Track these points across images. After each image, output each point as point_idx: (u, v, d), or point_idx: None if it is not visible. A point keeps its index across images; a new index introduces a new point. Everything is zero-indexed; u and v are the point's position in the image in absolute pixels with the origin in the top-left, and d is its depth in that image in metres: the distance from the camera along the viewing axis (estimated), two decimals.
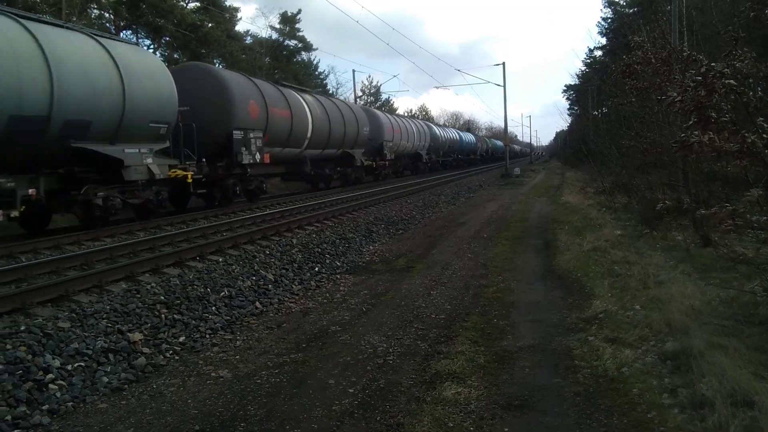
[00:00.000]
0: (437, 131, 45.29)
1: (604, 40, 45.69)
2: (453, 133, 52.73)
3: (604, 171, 19.04)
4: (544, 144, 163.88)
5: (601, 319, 5.96)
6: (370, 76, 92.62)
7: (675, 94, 5.01)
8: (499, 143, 73.29)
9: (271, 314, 7.06)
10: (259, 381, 4.88)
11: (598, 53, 47.95)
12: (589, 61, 51.44)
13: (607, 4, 44.15)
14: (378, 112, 33.07)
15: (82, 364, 5.02)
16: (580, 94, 51.36)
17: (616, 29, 38.99)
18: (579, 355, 5.07)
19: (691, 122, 4.96)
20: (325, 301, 7.60)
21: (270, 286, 8.08)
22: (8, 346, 4.99)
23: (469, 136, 57.85)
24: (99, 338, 5.50)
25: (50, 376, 4.70)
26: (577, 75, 56.50)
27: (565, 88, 63.12)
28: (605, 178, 18.84)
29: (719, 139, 4.68)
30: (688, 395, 3.97)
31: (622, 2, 42.33)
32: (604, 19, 45.10)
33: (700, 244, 9.04)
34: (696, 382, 4.08)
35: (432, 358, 5.21)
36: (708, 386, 3.93)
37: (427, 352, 5.39)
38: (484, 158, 66.72)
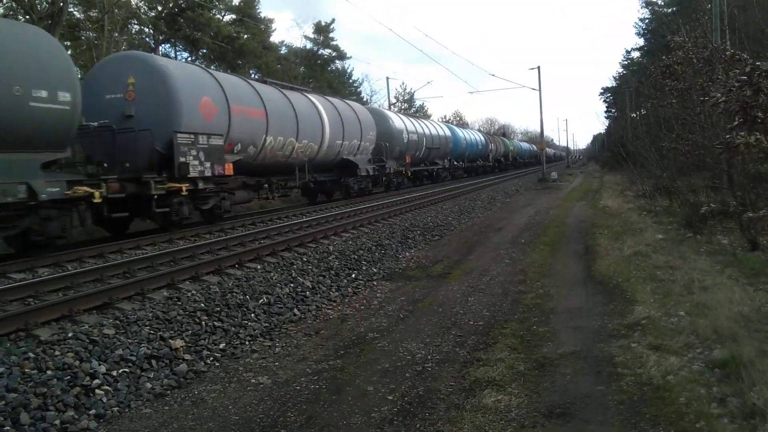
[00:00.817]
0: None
1: (641, 41, 44.98)
2: (475, 136, 51.41)
3: (644, 174, 18.67)
4: (581, 147, 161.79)
5: (643, 325, 5.82)
6: (403, 83, 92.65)
7: (719, 95, 4.88)
8: (525, 145, 72.22)
9: (309, 321, 7.10)
10: (298, 387, 4.91)
11: (636, 54, 47.21)
12: (626, 62, 50.66)
13: (644, 4, 43.45)
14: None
15: (127, 369, 5.13)
16: (618, 96, 50.56)
17: (653, 29, 38.33)
18: (622, 363, 4.96)
19: (736, 123, 4.83)
20: (362, 307, 7.62)
21: (308, 292, 8.14)
22: (57, 352, 5.14)
23: (491, 140, 52.59)
24: (142, 345, 5.62)
25: (97, 381, 4.81)
26: (614, 77, 55.72)
27: (602, 91, 62.32)
28: (645, 181, 18.47)
29: (767, 139, 4.54)
30: (739, 405, 3.84)
31: (660, 2, 41.56)
32: (641, 19, 44.43)
33: (748, 248, 8.77)
34: (746, 391, 3.95)
35: (471, 365, 5.16)
36: (759, 395, 3.80)
37: (466, 359, 5.35)
38: (506, 164, 59.35)
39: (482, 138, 48.74)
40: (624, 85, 44.52)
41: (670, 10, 36.77)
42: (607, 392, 4.41)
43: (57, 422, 4.23)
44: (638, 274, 8.03)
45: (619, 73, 53.62)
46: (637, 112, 33.73)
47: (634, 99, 35.34)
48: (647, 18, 43.20)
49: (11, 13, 24.02)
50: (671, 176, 14.16)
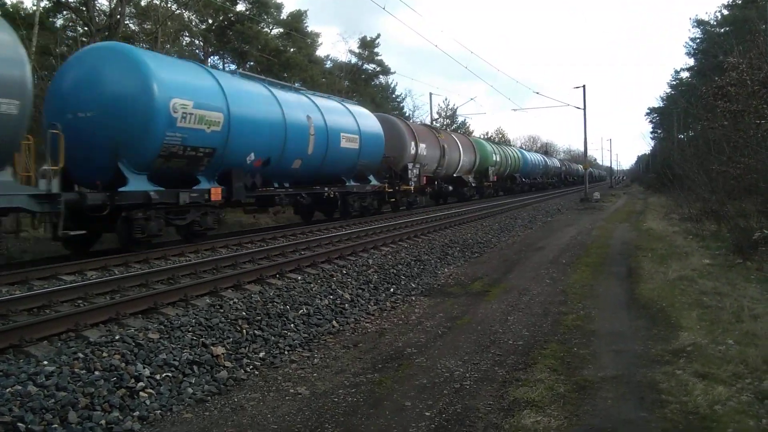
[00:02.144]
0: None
1: (691, 61, 44.08)
2: (536, 158, 51.57)
3: (691, 197, 18.22)
4: (624, 168, 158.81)
5: (689, 352, 5.67)
6: (446, 99, 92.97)
7: None
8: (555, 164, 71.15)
9: (348, 333, 7.14)
10: (336, 399, 4.94)
11: (685, 74, 46.28)
12: (674, 82, 49.71)
13: (695, 24, 42.64)
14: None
15: (170, 374, 5.25)
16: (665, 116, 49.59)
17: (704, 50, 37.53)
18: (666, 389, 4.83)
19: None
20: (400, 322, 7.62)
21: (346, 305, 8.19)
22: (104, 354, 5.29)
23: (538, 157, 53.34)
24: (185, 350, 5.74)
25: (141, 384, 4.93)
26: (662, 98, 54.70)
27: (649, 111, 61.23)
28: (692, 204, 18.01)
29: None
30: None
31: (712, 22, 40.71)
32: (692, 39, 43.57)
33: None
34: None
35: (510, 384, 5.11)
36: None
37: (505, 378, 5.29)
38: (550, 183, 59.08)
39: (542, 159, 50.88)
40: (672, 106, 43.64)
41: (722, 30, 36.04)
42: (650, 419, 4.30)
43: (103, 422, 4.34)
44: (683, 300, 7.82)
45: (667, 93, 52.65)
46: (685, 134, 33.02)
47: (682, 120, 34.60)
48: (698, 38, 42.37)
49: (71, 24, 25.04)
50: (721, 200, 13.78)
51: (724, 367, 5.09)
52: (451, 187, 31.29)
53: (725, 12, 38.69)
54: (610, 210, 29.35)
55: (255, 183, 14.28)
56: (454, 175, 31.05)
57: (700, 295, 7.97)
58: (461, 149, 31.27)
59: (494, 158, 37.60)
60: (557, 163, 67.16)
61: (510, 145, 45.86)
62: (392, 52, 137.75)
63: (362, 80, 46.04)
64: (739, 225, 11.59)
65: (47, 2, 24.64)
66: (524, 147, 74.24)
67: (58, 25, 25.70)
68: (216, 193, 12.88)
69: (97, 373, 4.93)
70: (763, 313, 6.54)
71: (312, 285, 8.81)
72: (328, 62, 44.75)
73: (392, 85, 52.14)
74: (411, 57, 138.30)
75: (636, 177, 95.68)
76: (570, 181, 71.36)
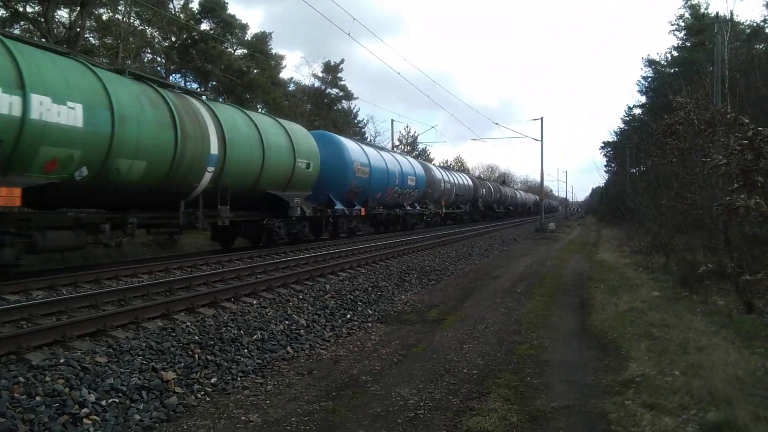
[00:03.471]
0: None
1: (643, 98, 45.76)
2: (492, 186, 52.31)
3: (642, 230, 18.77)
4: (579, 200, 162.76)
5: (638, 383, 5.79)
6: (408, 126, 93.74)
7: (720, 157, 4.98)
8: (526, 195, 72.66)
9: (302, 360, 7.05)
10: (288, 428, 4.85)
11: (637, 111, 47.97)
12: (627, 118, 51.43)
13: (647, 63, 44.37)
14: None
15: (117, 400, 5.07)
16: (618, 151, 51.16)
17: (655, 88, 39.07)
18: (615, 420, 4.92)
19: (736, 186, 4.92)
20: (356, 349, 7.57)
21: (302, 331, 8.09)
22: (47, 378, 5.09)
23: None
24: (134, 375, 5.57)
25: (85, 410, 4.75)
26: (615, 132, 56.49)
27: (603, 145, 63.09)
28: (642, 237, 18.55)
29: (766, 203, 4.62)
30: None
31: (662, 62, 42.47)
32: (644, 77, 45.30)
33: (743, 311, 8.78)
34: None
35: (464, 414, 5.11)
36: None
37: (459, 407, 5.30)
38: (506, 212, 60.23)
39: (494, 188, 51.52)
40: (625, 141, 45.09)
41: (672, 71, 37.63)
42: None
43: None
44: (633, 331, 8.01)
45: (620, 128, 54.41)
46: (637, 168, 34.12)
47: (634, 155, 35.76)
48: (650, 77, 44.10)
49: (27, 34, 24.46)
50: (669, 234, 14.25)
51: (671, 398, 5.22)
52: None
53: (675, 53, 40.49)
54: (565, 241, 29.97)
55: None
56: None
57: (649, 326, 8.18)
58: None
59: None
60: (514, 194, 68.40)
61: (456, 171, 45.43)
62: (356, 77, 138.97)
63: (325, 104, 46.22)
64: (685, 258, 11.99)
65: (3, 12, 24.09)
66: (482, 176, 75.41)
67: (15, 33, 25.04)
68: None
69: (38, 398, 4.74)
70: (707, 345, 6.75)
71: (267, 309, 8.70)
72: (291, 85, 44.92)
73: (355, 110, 52.57)
74: (374, 83, 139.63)
75: (590, 209, 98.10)
76: (524, 211, 72.75)
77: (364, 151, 24.01)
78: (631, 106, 50.84)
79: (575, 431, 4.75)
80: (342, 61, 47.19)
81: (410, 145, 59.43)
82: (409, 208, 29.83)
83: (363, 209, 23.08)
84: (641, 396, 5.37)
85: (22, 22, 25.24)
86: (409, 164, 30.15)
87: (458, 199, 39.70)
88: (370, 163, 23.64)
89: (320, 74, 46.25)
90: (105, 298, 8.49)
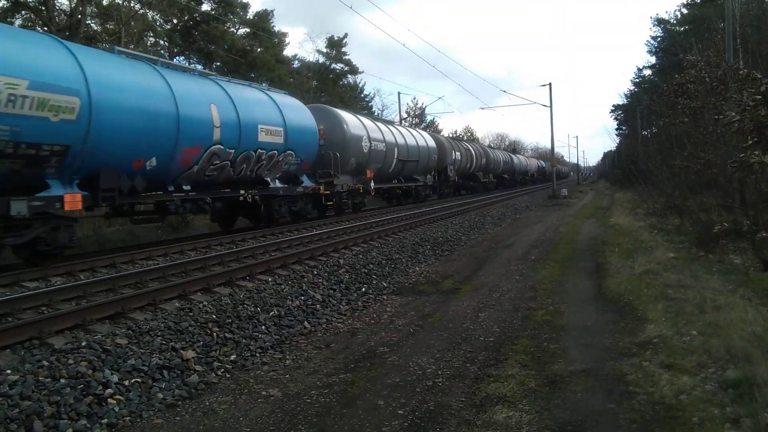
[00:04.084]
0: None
1: (653, 59, 45.04)
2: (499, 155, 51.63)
3: (655, 192, 18.62)
4: (591, 165, 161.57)
5: (655, 344, 5.79)
6: (415, 98, 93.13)
7: (733, 114, 4.90)
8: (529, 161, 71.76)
9: (320, 334, 7.12)
10: (308, 400, 4.92)
11: (647, 72, 47.26)
12: (637, 80, 50.72)
13: (656, 23, 43.55)
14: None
15: (139, 380, 5.16)
16: (629, 113, 50.57)
17: (665, 48, 38.39)
18: (633, 381, 4.93)
19: (750, 142, 4.84)
20: (372, 321, 7.62)
21: (318, 305, 8.16)
22: (70, 361, 5.18)
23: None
24: (154, 355, 5.65)
25: (109, 390, 4.84)
26: (626, 95, 55.79)
27: (613, 108, 62.39)
28: (656, 199, 18.41)
29: None
30: (752, 425, 3.81)
31: (672, 20, 41.65)
32: (653, 37, 44.52)
33: (761, 268, 8.72)
34: (760, 411, 3.92)
35: (482, 381, 5.15)
36: None
37: (477, 374, 5.34)
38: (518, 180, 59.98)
39: (507, 157, 49.88)
40: (635, 103, 44.54)
41: (682, 29, 36.90)
42: (618, 411, 4.38)
43: (70, 431, 4.26)
44: (649, 293, 7.99)
45: (631, 90, 53.72)
46: (649, 130, 33.73)
47: (645, 117, 35.33)
48: (659, 36, 43.30)
49: (30, 24, 24.41)
50: (683, 194, 14.12)
51: (689, 357, 5.21)
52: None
53: (684, 11, 39.63)
54: (578, 206, 29.82)
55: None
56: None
57: (665, 288, 8.15)
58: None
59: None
60: (525, 162, 67.94)
61: (473, 143, 45.18)
62: (360, 51, 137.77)
63: (330, 80, 45.88)
64: (700, 219, 11.89)
65: (5, 2, 24.01)
66: (492, 145, 74.95)
67: (16, 26, 24.99)
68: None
69: (63, 380, 4.83)
70: (725, 304, 6.72)
71: (283, 286, 8.76)
72: (296, 62, 44.54)
73: (360, 85, 52.14)
74: (379, 56, 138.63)
75: (602, 173, 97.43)
76: (538, 178, 72.34)
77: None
78: (641, 68, 50.21)
79: (594, 394, 4.77)
80: (346, 36, 46.76)
81: (418, 117, 59.02)
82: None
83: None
84: (659, 356, 5.38)
85: (23, 12, 25.16)
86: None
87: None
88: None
89: (324, 50, 45.88)
90: (122, 281, 8.58)
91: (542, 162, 78.77)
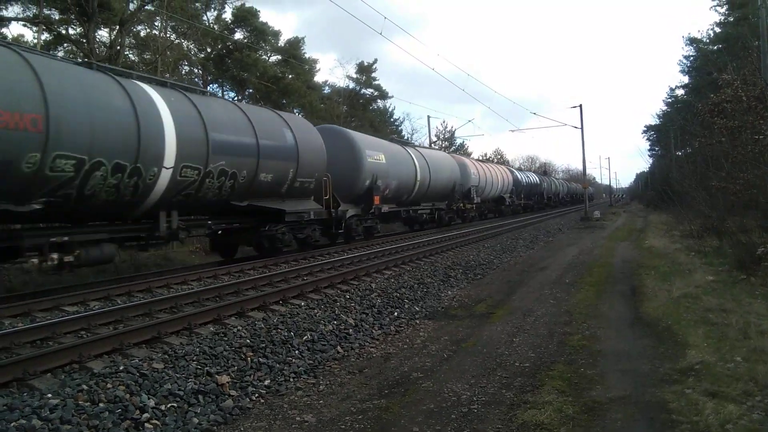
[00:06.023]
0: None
1: (686, 79, 44.47)
2: (534, 178, 51.56)
3: (691, 213, 18.24)
4: (623, 186, 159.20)
5: (697, 370, 5.63)
6: (444, 121, 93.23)
7: None
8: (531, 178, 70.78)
9: (353, 359, 7.09)
10: (343, 426, 4.89)
11: (680, 92, 46.64)
12: (670, 100, 50.07)
13: (689, 42, 43.05)
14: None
15: (175, 404, 5.20)
16: (662, 133, 49.88)
17: (698, 67, 37.88)
18: (676, 409, 4.78)
19: None
20: (405, 346, 7.57)
21: (350, 330, 8.14)
22: (109, 385, 5.25)
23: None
24: (189, 379, 5.70)
25: (146, 415, 4.89)
26: (658, 115, 55.09)
27: (645, 129, 61.60)
28: (693, 221, 18.02)
29: None
30: None
31: (704, 39, 41.11)
32: (685, 57, 43.98)
33: None
34: None
35: (518, 407, 5.06)
36: None
37: (513, 401, 5.25)
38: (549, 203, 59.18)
39: (537, 178, 50.90)
40: (668, 123, 43.90)
41: (715, 47, 36.38)
42: None
43: None
44: (689, 317, 7.79)
45: (663, 110, 53.01)
46: (683, 150, 33.18)
47: (679, 137, 34.78)
48: (692, 55, 42.77)
49: (71, 56, 25.30)
50: (721, 216, 13.79)
51: (734, 385, 5.05)
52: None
53: (717, 30, 39.11)
54: (611, 228, 29.35)
55: None
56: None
57: (706, 312, 7.94)
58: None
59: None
60: (556, 183, 67.31)
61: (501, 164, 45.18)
62: (390, 76, 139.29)
63: (360, 105, 46.35)
64: (741, 240, 11.58)
65: (48, 35, 24.93)
66: (522, 167, 74.50)
67: (59, 58, 25.91)
68: None
69: (101, 404, 4.89)
70: None
71: (315, 310, 8.78)
72: (327, 88, 45.13)
73: (390, 109, 52.57)
74: (408, 81, 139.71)
75: (635, 195, 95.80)
76: (568, 200, 71.56)
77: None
78: (674, 87, 49.51)
79: (635, 422, 4.64)
80: (375, 61, 47.27)
81: (447, 140, 59.12)
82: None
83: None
84: (702, 384, 5.22)
85: (65, 44, 26.10)
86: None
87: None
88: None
89: (354, 75, 46.45)
90: (158, 306, 8.70)
91: (573, 184, 77.94)
